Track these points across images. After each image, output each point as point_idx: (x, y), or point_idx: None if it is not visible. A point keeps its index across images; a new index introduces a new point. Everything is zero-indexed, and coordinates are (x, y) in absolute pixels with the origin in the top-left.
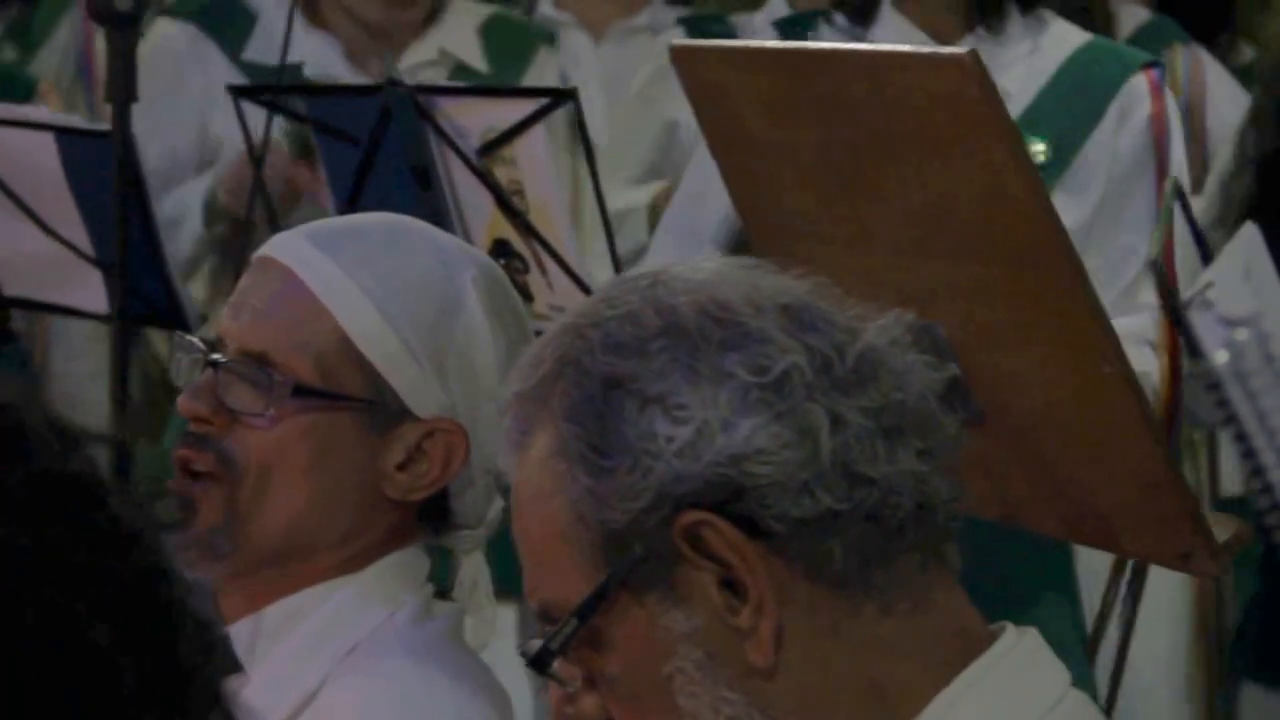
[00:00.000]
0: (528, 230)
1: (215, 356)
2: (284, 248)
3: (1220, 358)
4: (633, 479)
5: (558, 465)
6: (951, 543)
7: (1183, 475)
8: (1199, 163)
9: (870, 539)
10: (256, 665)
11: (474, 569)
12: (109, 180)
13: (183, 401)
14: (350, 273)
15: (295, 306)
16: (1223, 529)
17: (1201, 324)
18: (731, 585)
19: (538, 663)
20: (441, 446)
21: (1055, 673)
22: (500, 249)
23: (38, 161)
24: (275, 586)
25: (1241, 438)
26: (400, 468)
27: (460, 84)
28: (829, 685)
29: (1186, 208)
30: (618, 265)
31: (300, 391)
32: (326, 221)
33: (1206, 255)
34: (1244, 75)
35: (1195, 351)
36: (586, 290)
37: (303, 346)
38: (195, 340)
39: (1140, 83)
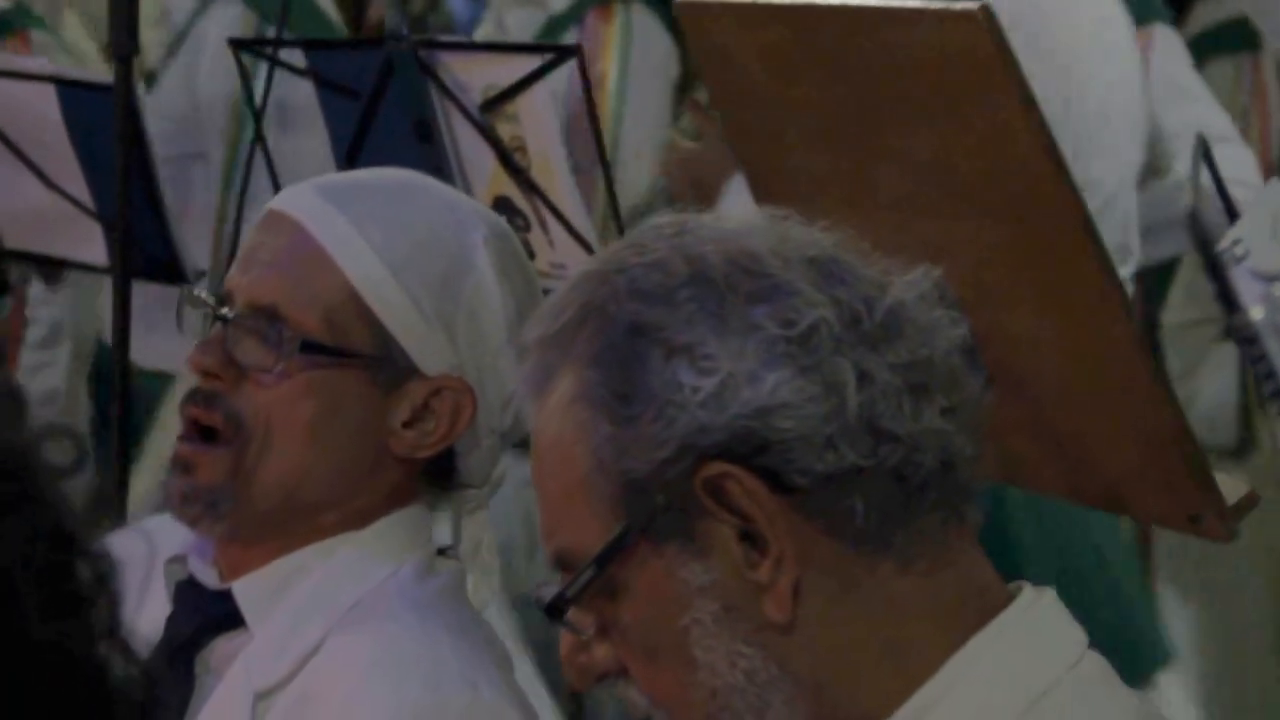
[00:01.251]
0: (529, 187)
1: (224, 312)
2: (293, 202)
3: (1257, 313)
4: (656, 428)
5: (580, 412)
6: (972, 502)
7: (1192, 436)
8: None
9: (892, 496)
10: (260, 622)
11: (478, 529)
12: (110, 133)
13: (192, 356)
14: (360, 227)
15: (304, 260)
16: (1232, 490)
17: (1237, 278)
18: (751, 538)
19: (552, 610)
20: (448, 404)
21: (1073, 633)
22: (501, 206)
23: (39, 114)
24: (278, 543)
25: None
26: (407, 425)
27: (463, 39)
28: (845, 642)
29: (1212, 162)
30: (620, 225)
31: (308, 347)
32: (336, 176)
33: (1231, 210)
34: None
35: (1232, 305)
36: (588, 247)
37: (311, 301)
38: (204, 295)
39: None
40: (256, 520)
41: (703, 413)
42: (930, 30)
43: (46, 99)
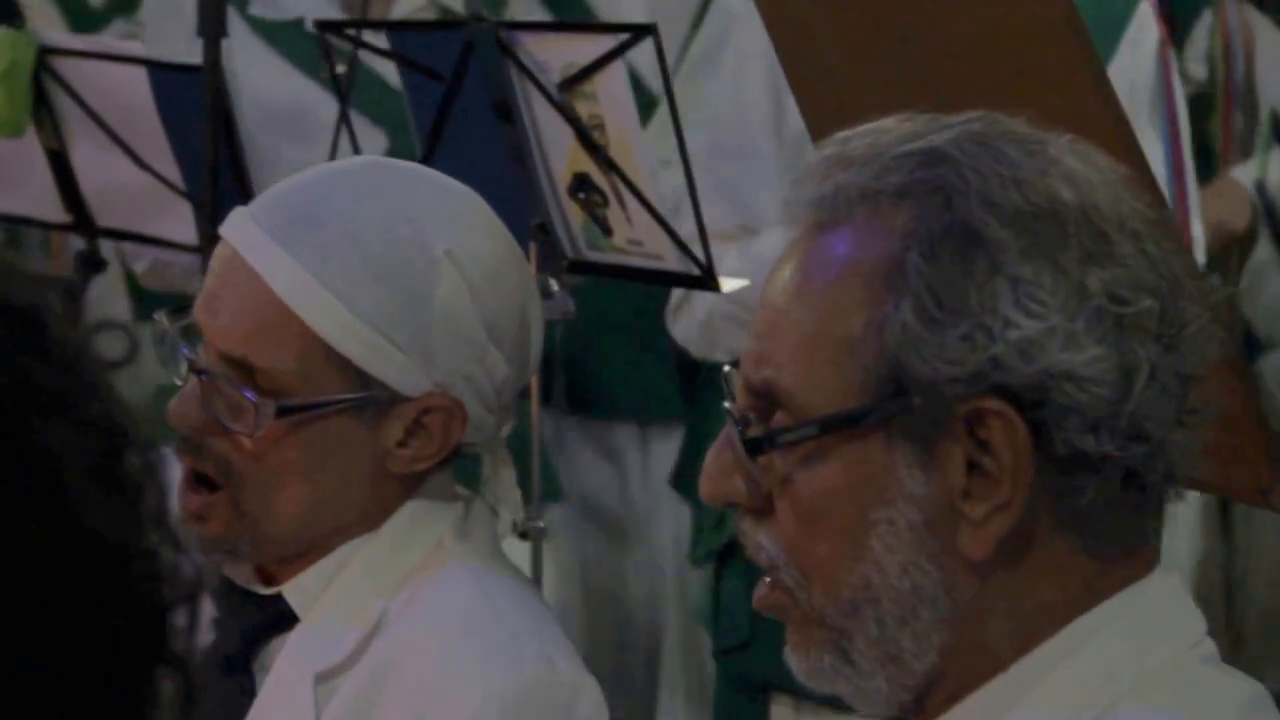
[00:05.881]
0: (608, 165)
1: (200, 367)
2: (246, 242)
3: None
4: (959, 346)
5: (880, 284)
6: (1161, 518)
7: (1263, 410)
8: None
9: (1117, 489)
10: (307, 614)
11: (499, 463)
12: (200, 114)
13: (173, 409)
14: (315, 272)
15: (266, 315)
16: None
17: None
18: (978, 472)
19: (755, 445)
20: (439, 421)
21: (1194, 616)
22: (580, 183)
23: (131, 95)
24: (309, 559)
25: None
26: (401, 444)
27: (542, 20)
28: (1010, 592)
29: None
30: (696, 206)
31: (285, 411)
32: (286, 200)
33: None
34: None
35: None
36: (665, 225)
37: (280, 353)
38: (177, 337)
39: (1147, 10)
40: (278, 551)
41: (1011, 351)
42: (1005, 8)
43: (138, 81)
